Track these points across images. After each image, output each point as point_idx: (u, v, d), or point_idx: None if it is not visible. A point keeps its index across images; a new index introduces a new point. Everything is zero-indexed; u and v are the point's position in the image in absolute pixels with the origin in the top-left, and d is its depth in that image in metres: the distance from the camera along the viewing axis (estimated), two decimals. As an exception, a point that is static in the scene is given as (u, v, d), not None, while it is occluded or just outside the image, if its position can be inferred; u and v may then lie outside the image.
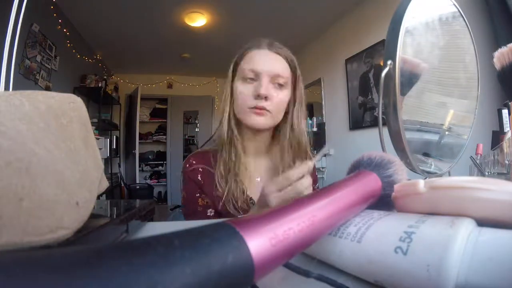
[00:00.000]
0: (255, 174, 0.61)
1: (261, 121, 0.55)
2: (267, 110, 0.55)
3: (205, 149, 0.62)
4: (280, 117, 0.59)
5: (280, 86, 0.57)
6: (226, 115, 0.59)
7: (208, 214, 0.57)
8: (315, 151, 0.66)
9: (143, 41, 3.12)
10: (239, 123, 0.59)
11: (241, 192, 0.56)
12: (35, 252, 0.09)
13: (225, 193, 0.55)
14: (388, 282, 0.17)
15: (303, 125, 0.61)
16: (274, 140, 0.63)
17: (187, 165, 0.59)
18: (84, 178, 0.21)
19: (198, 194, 0.58)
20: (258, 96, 0.54)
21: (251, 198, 0.57)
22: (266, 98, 0.54)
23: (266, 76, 0.55)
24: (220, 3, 2.42)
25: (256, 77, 0.56)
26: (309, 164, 0.43)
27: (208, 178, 0.58)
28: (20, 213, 0.14)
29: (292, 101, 0.60)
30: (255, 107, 0.54)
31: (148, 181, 4.24)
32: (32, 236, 0.15)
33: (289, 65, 0.59)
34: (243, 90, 0.56)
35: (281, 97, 0.57)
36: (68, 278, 0.08)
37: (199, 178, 0.58)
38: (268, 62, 0.56)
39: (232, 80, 0.60)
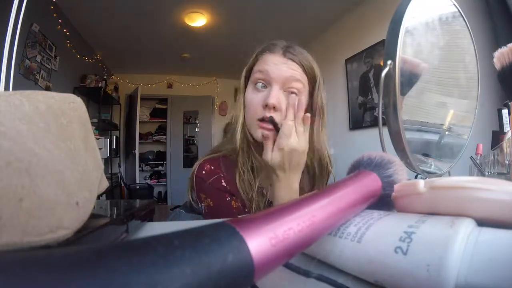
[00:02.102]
0: None
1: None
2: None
3: (213, 156, 0.58)
4: None
5: (293, 94, 0.52)
6: (239, 124, 0.54)
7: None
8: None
9: (143, 41, 3.12)
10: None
11: (267, 204, 0.54)
12: (35, 252, 0.09)
13: (253, 206, 0.53)
14: (388, 282, 0.17)
15: (322, 140, 0.56)
16: None
17: (203, 172, 0.54)
18: (84, 178, 0.21)
19: (229, 198, 0.53)
20: (266, 106, 0.49)
21: (271, 202, 0.55)
22: (274, 108, 0.49)
23: (277, 83, 0.50)
24: (220, 3, 2.42)
25: (266, 84, 0.52)
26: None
27: (230, 184, 0.54)
28: (20, 213, 0.14)
29: (310, 111, 0.54)
30: (262, 119, 0.50)
31: (148, 181, 4.24)
32: (32, 236, 0.15)
33: (306, 71, 0.54)
34: (253, 99, 0.52)
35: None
36: (68, 278, 0.08)
37: (224, 184, 0.53)
38: (279, 68, 0.51)
39: (245, 87, 0.55)
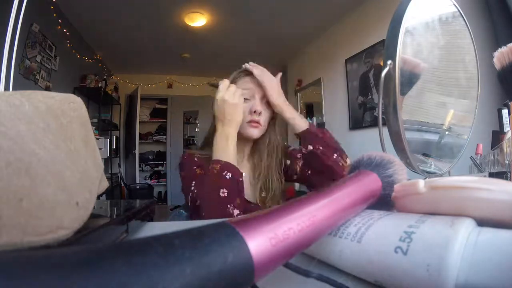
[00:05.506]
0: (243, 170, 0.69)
1: (255, 132, 0.69)
2: (259, 123, 0.68)
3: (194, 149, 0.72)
4: (265, 129, 0.71)
5: (267, 105, 0.70)
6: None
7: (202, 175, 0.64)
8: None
9: (143, 41, 3.13)
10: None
11: None
12: (35, 252, 0.09)
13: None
14: (388, 282, 0.17)
15: (278, 135, 0.76)
16: (255, 145, 0.75)
17: (185, 157, 0.68)
18: (84, 178, 0.21)
19: (196, 167, 0.65)
20: (254, 112, 0.67)
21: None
22: (260, 113, 0.68)
23: (258, 96, 0.69)
24: (220, 3, 2.42)
25: (250, 97, 0.69)
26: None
27: (204, 167, 0.64)
28: (20, 213, 0.14)
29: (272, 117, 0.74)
30: (251, 121, 0.67)
31: (148, 181, 4.24)
32: (32, 236, 0.15)
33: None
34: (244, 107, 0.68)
35: (267, 113, 0.71)
36: (68, 278, 0.08)
37: (196, 159, 0.66)
38: (256, 88, 0.70)
39: None
